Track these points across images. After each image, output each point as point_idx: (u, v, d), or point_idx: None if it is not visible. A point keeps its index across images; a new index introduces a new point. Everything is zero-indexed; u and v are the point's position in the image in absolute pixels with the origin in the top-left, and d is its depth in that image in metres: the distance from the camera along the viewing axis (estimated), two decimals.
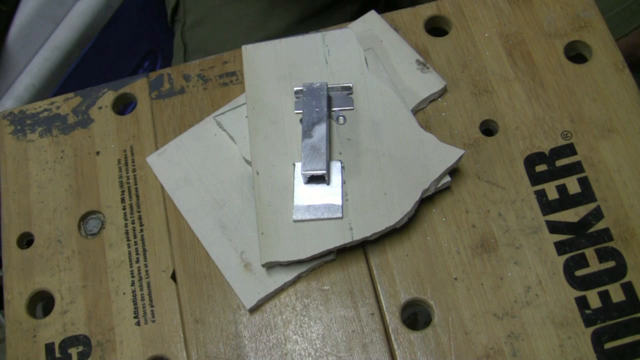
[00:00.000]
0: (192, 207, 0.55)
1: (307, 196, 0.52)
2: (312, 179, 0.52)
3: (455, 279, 0.51)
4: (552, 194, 0.53)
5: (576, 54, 0.59)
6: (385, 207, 0.51)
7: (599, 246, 0.51)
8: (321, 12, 0.80)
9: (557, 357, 0.48)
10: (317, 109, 0.53)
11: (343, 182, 0.52)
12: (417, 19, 0.60)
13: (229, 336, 0.51)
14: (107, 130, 0.59)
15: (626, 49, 0.72)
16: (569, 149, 0.55)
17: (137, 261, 0.54)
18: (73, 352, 0.51)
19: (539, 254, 0.51)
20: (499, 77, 0.58)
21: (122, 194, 0.56)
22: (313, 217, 0.51)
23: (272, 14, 0.79)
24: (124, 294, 0.53)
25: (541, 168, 0.54)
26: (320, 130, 0.52)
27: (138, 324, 0.52)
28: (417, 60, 0.58)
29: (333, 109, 0.55)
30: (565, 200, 0.53)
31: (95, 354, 0.51)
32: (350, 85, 0.55)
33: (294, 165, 0.53)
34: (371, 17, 0.60)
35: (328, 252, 0.51)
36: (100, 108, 0.60)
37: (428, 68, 0.57)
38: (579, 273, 0.51)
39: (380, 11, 0.61)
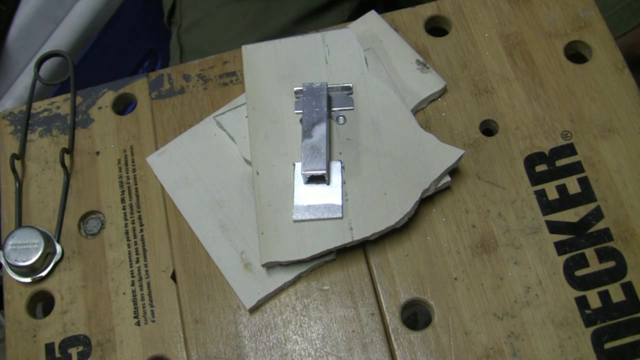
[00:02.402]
0: (192, 207, 0.55)
1: (307, 196, 0.52)
2: (312, 179, 0.52)
3: (455, 279, 0.51)
4: (552, 194, 0.53)
5: (576, 54, 0.59)
6: (385, 207, 0.51)
7: (599, 246, 0.51)
8: (318, 11, 0.80)
9: (557, 357, 0.48)
10: (317, 109, 0.53)
11: (343, 182, 0.52)
12: (417, 19, 0.60)
13: (229, 336, 0.51)
14: (107, 130, 0.59)
15: (625, 48, 0.72)
16: (569, 149, 0.55)
17: (137, 261, 0.54)
18: (73, 352, 0.51)
19: (539, 254, 0.51)
20: (499, 77, 0.58)
21: (122, 194, 0.56)
22: (313, 217, 0.51)
23: (268, 14, 0.79)
24: (124, 294, 0.53)
25: (541, 168, 0.54)
26: (320, 130, 0.52)
27: (138, 324, 0.52)
28: (417, 60, 0.58)
29: (333, 109, 0.55)
30: (565, 200, 0.53)
31: (95, 354, 0.51)
32: (350, 85, 0.55)
33: (294, 165, 0.53)
34: (371, 17, 0.60)
35: (328, 252, 0.51)
36: (100, 108, 0.60)
37: (428, 68, 0.57)
38: (579, 273, 0.51)
39: (380, 11, 0.61)
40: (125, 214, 0.55)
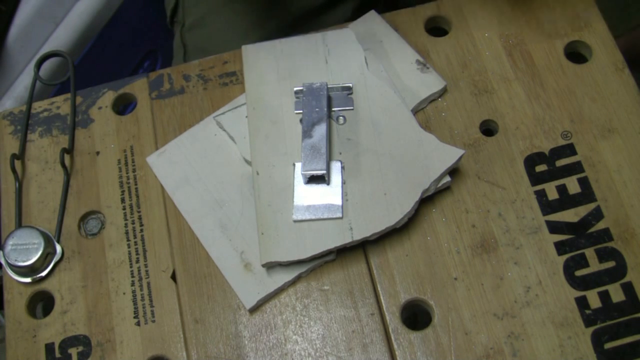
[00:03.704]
0: (192, 207, 0.55)
1: (307, 196, 0.52)
2: (312, 179, 0.52)
3: (455, 279, 0.51)
4: (552, 194, 0.53)
5: (576, 54, 0.59)
6: (385, 207, 0.51)
7: (599, 246, 0.51)
8: (318, 11, 0.80)
9: (557, 357, 0.48)
10: (317, 109, 0.53)
11: (343, 182, 0.52)
12: (417, 19, 0.60)
13: (229, 336, 0.51)
14: (107, 130, 0.59)
15: (626, 48, 0.72)
16: (569, 149, 0.55)
17: (137, 261, 0.54)
18: (73, 352, 0.51)
19: (539, 254, 0.51)
20: (499, 77, 0.58)
21: (122, 194, 0.56)
22: (313, 217, 0.51)
23: (270, 13, 0.79)
24: (124, 294, 0.53)
25: (541, 168, 0.54)
26: (320, 130, 0.52)
27: (138, 324, 0.52)
28: (417, 60, 0.58)
29: (333, 109, 0.55)
30: (565, 200, 0.53)
31: (95, 354, 0.51)
32: (350, 85, 0.55)
33: (294, 165, 0.53)
34: (371, 17, 0.60)
35: (328, 252, 0.51)
36: (100, 108, 0.60)
37: (428, 68, 0.57)
38: (579, 273, 0.51)
39: (380, 11, 0.61)
40: (125, 214, 0.55)
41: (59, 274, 0.54)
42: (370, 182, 0.52)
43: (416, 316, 0.54)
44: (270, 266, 0.51)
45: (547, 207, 0.53)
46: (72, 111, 0.59)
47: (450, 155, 0.52)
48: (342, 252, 0.52)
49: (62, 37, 0.87)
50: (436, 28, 0.61)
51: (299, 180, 0.53)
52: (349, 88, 0.55)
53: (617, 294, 0.50)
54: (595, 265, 0.51)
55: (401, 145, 0.53)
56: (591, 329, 0.49)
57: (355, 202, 0.51)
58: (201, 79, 0.60)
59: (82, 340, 0.52)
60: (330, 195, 0.52)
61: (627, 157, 0.54)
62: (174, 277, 0.53)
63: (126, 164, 0.57)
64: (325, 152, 0.51)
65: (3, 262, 0.53)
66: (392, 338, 0.49)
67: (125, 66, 1.03)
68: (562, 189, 0.53)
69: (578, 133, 0.55)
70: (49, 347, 0.51)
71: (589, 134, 0.55)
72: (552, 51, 0.58)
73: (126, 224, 0.55)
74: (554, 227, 0.52)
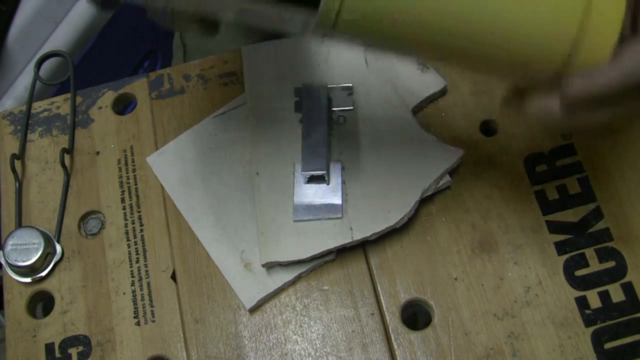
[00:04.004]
0: (192, 207, 0.55)
1: (307, 196, 0.52)
2: (312, 179, 0.52)
3: (455, 279, 0.51)
4: (552, 194, 0.53)
5: None
6: (385, 207, 0.51)
7: (599, 246, 0.51)
8: None
9: (557, 357, 0.48)
10: (317, 109, 0.53)
11: (343, 182, 0.52)
12: None
13: (229, 336, 0.51)
14: (107, 130, 0.59)
15: None
16: (569, 149, 0.55)
17: (137, 261, 0.54)
18: (73, 352, 0.51)
19: (539, 254, 0.51)
20: None
21: (122, 194, 0.56)
22: (313, 217, 0.51)
23: None
24: (124, 294, 0.53)
25: (541, 168, 0.54)
26: (320, 130, 0.52)
27: (138, 324, 0.52)
28: (417, 60, 0.58)
29: (333, 109, 0.55)
30: (565, 200, 0.53)
31: (95, 354, 0.51)
32: (350, 85, 0.55)
33: (294, 165, 0.53)
34: None
35: (328, 252, 0.51)
36: (100, 108, 0.60)
37: (428, 68, 0.57)
38: (579, 273, 0.51)
39: None
40: (125, 214, 0.55)
41: (59, 274, 0.54)
42: (370, 182, 0.52)
43: (416, 316, 0.54)
44: (270, 266, 0.51)
45: (547, 207, 0.53)
46: (72, 111, 0.59)
47: (450, 155, 0.52)
48: (342, 252, 0.52)
49: (62, 37, 0.87)
50: None
51: (299, 180, 0.53)
52: (349, 88, 0.55)
53: (617, 294, 0.50)
54: (595, 265, 0.51)
55: (401, 145, 0.53)
56: (591, 329, 0.49)
57: (355, 202, 0.51)
58: (201, 79, 0.60)
59: (82, 340, 0.52)
60: (330, 195, 0.52)
61: (627, 157, 0.54)
62: (174, 277, 0.53)
63: (126, 164, 0.57)
64: (325, 152, 0.51)
65: (3, 262, 0.54)
66: (392, 338, 0.49)
67: (125, 66, 1.03)
68: (562, 189, 0.53)
69: (578, 133, 0.55)
70: (49, 347, 0.51)
71: (589, 133, 0.55)
72: None
73: (126, 224, 0.55)
74: (554, 227, 0.52)
